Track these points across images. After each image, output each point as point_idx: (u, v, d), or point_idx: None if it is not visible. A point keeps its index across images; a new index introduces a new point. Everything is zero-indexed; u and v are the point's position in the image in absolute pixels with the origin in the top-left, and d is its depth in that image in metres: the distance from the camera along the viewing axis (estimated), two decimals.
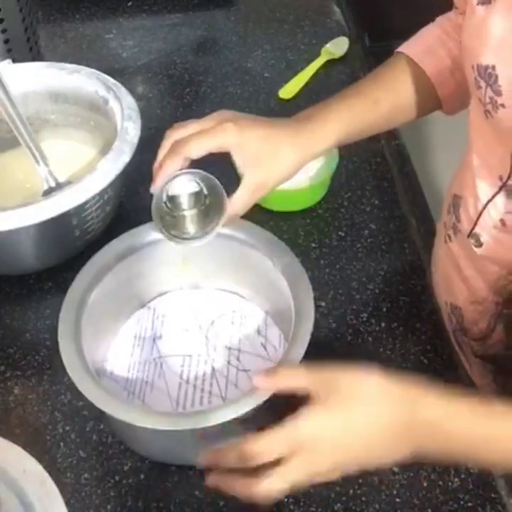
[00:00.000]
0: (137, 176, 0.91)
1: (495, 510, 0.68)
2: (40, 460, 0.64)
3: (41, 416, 0.75)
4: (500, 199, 0.72)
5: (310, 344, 0.65)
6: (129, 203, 0.94)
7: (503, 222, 0.73)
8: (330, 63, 1.17)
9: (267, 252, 0.74)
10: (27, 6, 1.04)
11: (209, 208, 0.72)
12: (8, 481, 0.62)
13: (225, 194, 0.71)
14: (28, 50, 1.07)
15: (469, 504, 0.68)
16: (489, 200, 0.74)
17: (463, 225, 0.80)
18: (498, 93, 0.66)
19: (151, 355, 0.77)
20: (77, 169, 0.94)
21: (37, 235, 0.81)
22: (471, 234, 0.77)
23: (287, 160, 0.73)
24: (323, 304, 0.83)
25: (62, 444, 0.73)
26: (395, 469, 0.70)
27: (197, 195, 0.72)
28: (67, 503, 0.62)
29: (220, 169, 0.71)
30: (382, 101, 0.79)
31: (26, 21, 1.04)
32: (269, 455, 0.57)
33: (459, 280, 0.82)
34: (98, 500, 0.69)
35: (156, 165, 0.71)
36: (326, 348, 0.79)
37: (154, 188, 0.71)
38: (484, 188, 0.74)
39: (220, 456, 0.59)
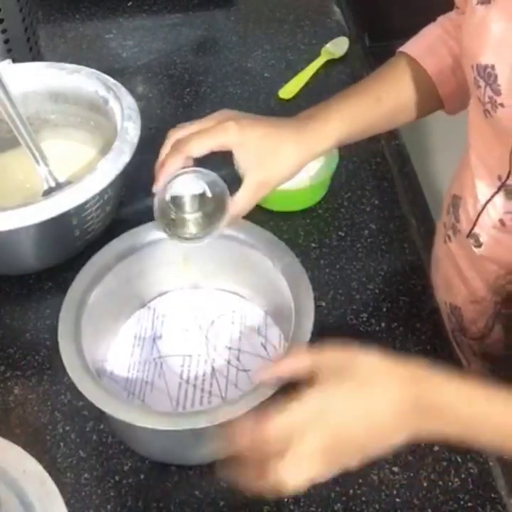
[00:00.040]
0: (137, 176, 0.91)
1: (495, 510, 0.68)
2: (40, 460, 0.64)
3: (41, 416, 0.75)
4: (499, 199, 0.72)
5: (310, 344, 0.66)
6: (129, 203, 0.94)
7: (502, 222, 0.73)
8: (330, 63, 1.17)
9: (267, 252, 0.74)
10: (27, 6, 1.04)
11: (212, 207, 0.72)
12: (8, 481, 0.62)
13: (228, 193, 0.71)
14: (28, 50, 1.07)
15: (469, 504, 0.68)
16: (488, 201, 0.74)
17: (462, 225, 0.80)
18: (498, 92, 0.66)
19: (151, 355, 0.77)
20: (77, 169, 0.94)
21: (37, 235, 0.81)
22: (470, 234, 0.77)
23: (289, 158, 0.73)
24: (323, 303, 0.83)
25: (62, 444, 0.73)
26: (395, 469, 0.70)
27: (200, 197, 0.71)
28: (67, 503, 0.62)
29: (219, 170, 0.71)
30: (384, 100, 0.79)
31: (26, 21, 1.04)
32: (281, 435, 0.56)
33: (458, 280, 0.82)
34: (98, 500, 0.69)
35: (158, 164, 0.71)
36: None
37: (156, 188, 0.71)
38: (483, 188, 0.74)
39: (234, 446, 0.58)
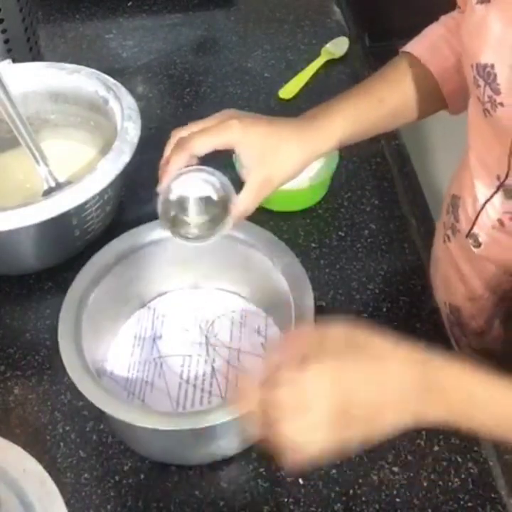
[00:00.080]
0: (137, 176, 0.91)
1: (495, 510, 0.68)
2: (40, 460, 0.64)
3: (41, 416, 0.75)
4: (498, 199, 0.72)
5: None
6: (129, 203, 0.94)
7: (501, 222, 0.73)
8: (330, 63, 1.17)
9: (267, 252, 0.74)
10: (27, 6, 1.04)
11: (217, 208, 0.71)
12: (8, 481, 0.62)
13: (233, 193, 0.70)
14: (28, 50, 1.07)
15: (469, 504, 0.68)
16: (487, 200, 0.74)
17: (461, 225, 0.80)
18: (497, 92, 0.66)
19: (151, 355, 0.77)
20: (77, 169, 0.94)
21: (37, 235, 0.81)
22: (469, 234, 0.77)
23: (292, 157, 0.72)
24: (323, 303, 0.83)
25: (62, 444, 0.73)
26: (395, 469, 0.70)
27: (205, 199, 0.71)
28: (67, 503, 0.62)
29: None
30: (388, 99, 0.79)
31: (26, 21, 1.04)
32: (292, 400, 0.55)
33: (456, 279, 0.82)
34: (98, 500, 0.69)
35: (161, 162, 0.71)
36: None
37: (161, 187, 0.70)
38: (482, 188, 0.74)
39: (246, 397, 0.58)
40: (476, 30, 0.68)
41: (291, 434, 0.55)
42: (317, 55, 1.18)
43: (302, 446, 0.56)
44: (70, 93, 0.95)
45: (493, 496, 0.69)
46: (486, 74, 0.66)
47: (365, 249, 0.90)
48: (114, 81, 0.93)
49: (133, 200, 0.94)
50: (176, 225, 0.71)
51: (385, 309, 0.83)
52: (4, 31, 1.01)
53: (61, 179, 0.89)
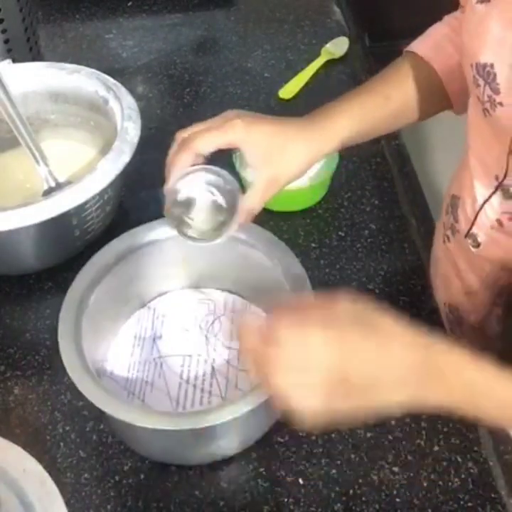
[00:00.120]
0: (137, 176, 0.91)
1: (495, 510, 0.68)
2: (40, 460, 0.64)
3: (41, 416, 0.75)
4: (497, 199, 0.73)
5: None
6: (129, 203, 0.94)
7: (499, 222, 0.73)
8: (330, 63, 1.17)
9: (267, 252, 0.74)
10: (27, 6, 1.04)
11: (223, 209, 0.71)
12: (8, 481, 0.62)
13: (239, 194, 0.70)
14: (28, 50, 1.07)
15: (469, 504, 0.68)
16: (486, 201, 0.74)
17: (461, 226, 0.80)
18: (497, 91, 0.66)
19: (151, 355, 0.77)
20: (77, 169, 0.94)
21: (37, 235, 0.81)
22: (468, 234, 0.78)
23: (297, 156, 0.72)
24: None
25: (62, 444, 0.73)
26: (395, 469, 0.70)
27: (212, 201, 0.71)
28: (67, 503, 0.62)
29: None
30: (393, 98, 0.79)
31: (26, 21, 1.04)
32: (291, 357, 0.55)
33: (453, 275, 0.83)
34: (98, 500, 0.69)
35: (166, 162, 0.71)
36: None
37: (167, 187, 0.70)
38: (481, 189, 0.74)
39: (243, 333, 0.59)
40: (475, 29, 0.68)
41: (285, 389, 0.56)
42: (317, 55, 1.18)
43: (295, 404, 0.56)
44: (70, 93, 0.95)
45: (493, 496, 0.69)
46: (486, 73, 0.66)
47: (365, 249, 0.90)
48: (114, 81, 0.93)
49: (133, 200, 0.94)
50: (182, 224, 0.71)
51: None
52: (4, 31, 1.01)
53: (61, 179, 0.89)
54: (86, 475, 0.71)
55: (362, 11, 1.41)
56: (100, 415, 0.73)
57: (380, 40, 1.99)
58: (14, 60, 0.98)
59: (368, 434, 0.72)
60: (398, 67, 0.81)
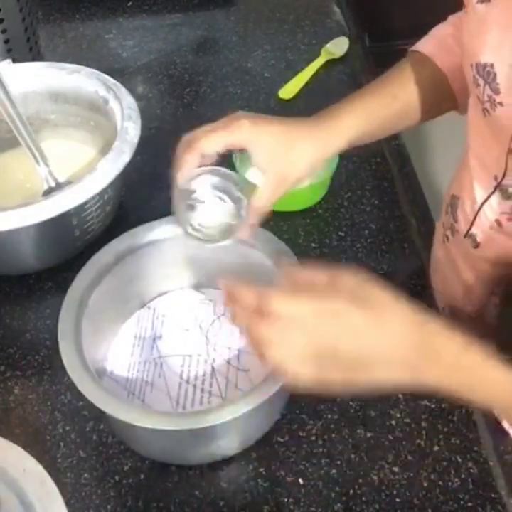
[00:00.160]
0: (137, 176, 0.91)
1: (495, 510, 0.68)
2: (40, 460, 0.64)
3: (41, 416, 0.75)
4: (495, 200, 0.73)
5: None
6: (129, 203, 0.94)
7: (498, 222, 0.73)
8: (330, 63, 1.17)
9: (267, 252, 0.74)
10: (27, 6, 1.04)
11: (231, 211, 0.71)
12: (8, 481, 0.62)
13: (248, 193, 0.70)
14: (28, 50, 1.07)
15: (469, 504, 0.68)
16: (485, 201, 0.74)
17: (460, 226, 0.80)
18: (497, 91, 0.66)
19: (151, 355, 0.77)
20: (77, 169, 0.94)
21: (37, 235, 0.81)
22: (467, 234, 0.78)
23: (306, 155, 0.72)
24: None
25: (62, 444, 0.73)
26: (395, 469, 0.70)
27: (221, 202, 0.71)
28: (67, 503, 0.62)
29: None
30: (400, 98, 0.79)
31: (26, 21, 1.04)
32: (289, 314, 0.56)
33: (455, 278, 0.83)
34: (98, 500, 0.69)
35: (174, 163, 0.70)
36: None
37: (175, 188, 0.69)
38: (480, 189, 0.75)
39: (237, 296, 0.59)
40: (476, 29, 0.68)
41: (279, 361, 0.57)
42: (317, 55, 1.18)
43: (290, 374, 0.57)
44: (70, 93, 0.95)
45: (493, 496, 0.69)
46: (486, 73, 0.66)
47: (365, 249, 0.90)
48: (114, 81, 0.93)
49: (133, 200, 0.94)
50: (189, 225, 0.71)
51: None
52: (4, 31, 1.01)
53: (61, 179, 0.89)
54: (86, 475, 0.71)
55: (362, 11, 1.41)
56: (100, 415, 0.73)
57: (380, 40, 2.00)
58: (14, 60, 0.98)
59: (368, 434, 0.73)
60: (403, 66, 0.82)
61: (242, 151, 0.70)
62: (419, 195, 1.57)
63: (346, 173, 0.98)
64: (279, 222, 0.92)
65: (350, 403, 0.75)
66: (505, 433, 0.84)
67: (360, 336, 0.56)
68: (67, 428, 0.74)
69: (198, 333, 0.79)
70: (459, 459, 0.71)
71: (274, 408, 0.71)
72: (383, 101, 0.78)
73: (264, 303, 0.56)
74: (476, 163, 0.75)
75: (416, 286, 0.86)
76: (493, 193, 0.73)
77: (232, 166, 0.87)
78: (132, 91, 0.91)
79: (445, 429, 0.73)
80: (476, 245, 0.77)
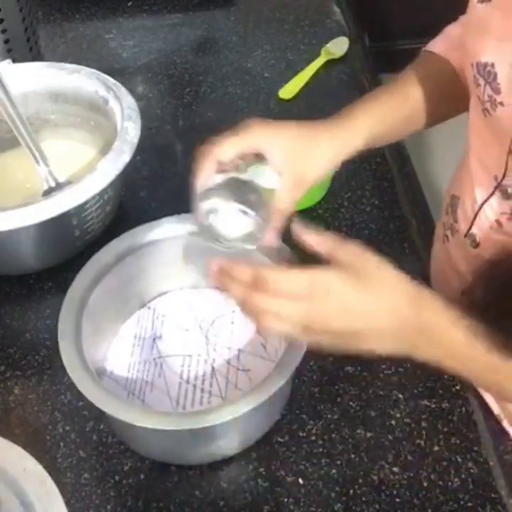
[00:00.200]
0: (137, 176, 0.91)
1: (495, 510, 0.68)
2: (40, 460, 0.64)
3: (41, 416, 0.75)
4: (495, 200, 0.73)
5: (310, 344, 0.66)
6: (129, 203, 0.94)
7: (498, 222, 0.73)
8: (330, 63, 1.17)
9: (267, 252, 0.74)
10: (27, 6, 1.04)
11: (252, 220, 0.70)
12: (8, 480, 0.62)
13: (269, 198, 0.69)
14: (28, 50, 1.07)
15: (469, 504, 0.68)
16: (485, 201, 0.74)
17: (460, 226, 0.80)
18: (497, 91, 0.66)
19: (151, 355, 0.77)
20: (77, 169, 0.94)
21: (37, 235, 0.81)
22: (467, 234, 0.78)
23: (324, 155, 0.72)
24: None
25: (62, 444, 0.73)
26: (395, 469, 0.70)
27: (242, 210, 0.70)
28: (67, 503, 0.62)
29: None
30: (411, 97, 0.79)
31: (26, 21, 1.04)
32: (284, 290, 0.57)
33: (455, 278, 0.83)
34: (98, 500, 0.69)
35: (192, 173, 0.69)
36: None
37: (195, 197, 0.69)
38: (480, 189, 0.75)
39: (232, 273, 0.60)
40: (476, 29, 0.68)
41: (274, 331, 0.59)
42: (317, 55, 1.18)
43: (285, 339, 0.60)
44: (70, 93, 0.95)
45: (493, 496, 0.69)
46: (486, 73, 0.66)
47: None
48: (114, 81, 0.93)
49: (133, 200, 0.94)
50: (211, 233, 0.70)
51: None
52: (4, 31, 1.01)
53: (61, 179, 0.89)
54: (86, 475, 0.71)
55: (362, 11, 1.41)
56: (100, 415, 0.73)
57: (380, 40, 1.99)
58: (14, 60, 0.98)
59: (368, 434, 0.73)
60: (418, 66, 0.82)
61: (258, 155, 0.70)
62: (419, 195, 1.57)
63: (346, 173, 0.98)
64: None
65: (350, 403, 0.75)
66: (505, 433, 0.84)
67: (350, 312, 0.57)
68: (67, 428, 0.74)
69: (198, 333, 0.79)
70: (459, 459, 0.71)
71: (274, 408, 0.71)
72: (398, 102, 0.79)
73: (260, 277, 0.57)
74: (477, 164, 0.75)
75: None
76: (493, 193, 0.73)
77: None
78: (132, 91, 0.91)
79: (445, 429, 0.73)
80: (476, 245, 0.77)
